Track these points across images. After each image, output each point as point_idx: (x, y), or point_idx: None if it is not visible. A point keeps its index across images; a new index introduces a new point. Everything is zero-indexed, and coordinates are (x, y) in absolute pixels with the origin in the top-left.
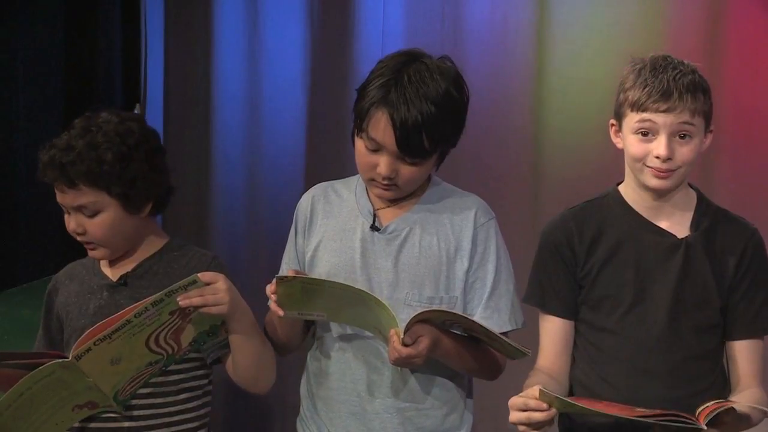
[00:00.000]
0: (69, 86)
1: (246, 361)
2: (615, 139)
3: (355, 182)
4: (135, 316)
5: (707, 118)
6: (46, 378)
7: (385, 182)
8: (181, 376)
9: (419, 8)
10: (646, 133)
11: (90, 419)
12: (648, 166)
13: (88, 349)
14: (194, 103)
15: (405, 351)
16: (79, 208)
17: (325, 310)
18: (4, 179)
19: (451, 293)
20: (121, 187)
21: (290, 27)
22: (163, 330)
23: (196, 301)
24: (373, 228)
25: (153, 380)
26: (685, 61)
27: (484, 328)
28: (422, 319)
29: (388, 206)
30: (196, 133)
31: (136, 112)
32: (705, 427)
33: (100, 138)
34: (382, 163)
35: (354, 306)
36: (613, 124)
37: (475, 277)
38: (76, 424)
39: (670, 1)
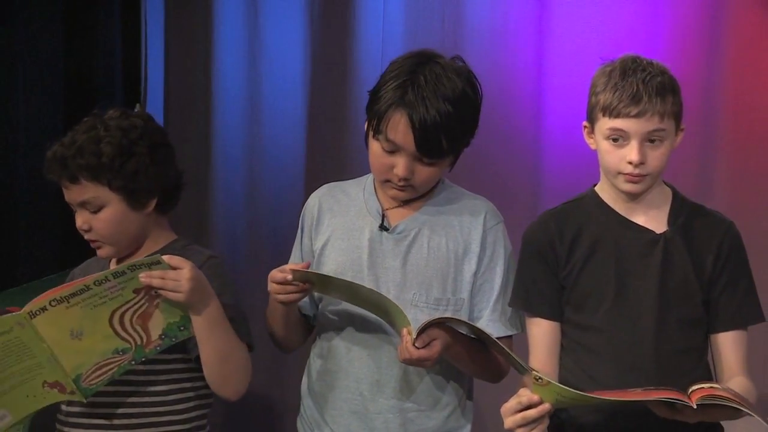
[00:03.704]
0: (69, 86)
1: (210, 358)
2: (588, 141)
3: (365, 182)
4: (95, 284)
5: (677, 118)
6: (6, 334)
7: (401, 183)
8: (173, 376)
9: (419, 8)
10: (617, 139)
11: (75, 414)
12: (621, 173)
13: (44, 308)
14: (194, 103)
15: (417, 353)
16: (83, 204)
17: (342, 295)
18: (4, 179)
19: (458, 295)
20: (122, 181)
21: (290, 27)
22: (128, 310)
23: (156, 282)
24: (382, 228)
25: (142, 378)
26: (654, 62)
27: (494, 340)
28: (435, 324)
29: (397, 206)
30: (196, 133)
31: (136, 111)
32: (695, 406)
33: (102, 132)
34: (400, 164)
35: (368, 297)
36: (585, 126)
37: (484, 279)
38: (60, 416)
39: (670, 1)
